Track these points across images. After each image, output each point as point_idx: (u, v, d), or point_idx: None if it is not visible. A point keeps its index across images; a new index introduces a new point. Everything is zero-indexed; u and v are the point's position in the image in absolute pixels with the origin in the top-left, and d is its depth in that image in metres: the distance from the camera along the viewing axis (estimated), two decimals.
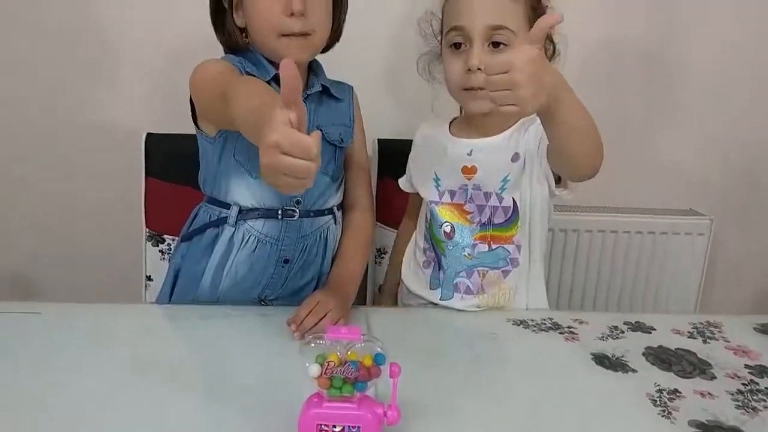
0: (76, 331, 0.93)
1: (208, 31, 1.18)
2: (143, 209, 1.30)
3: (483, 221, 1.08)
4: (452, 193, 1.11)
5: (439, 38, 1.12)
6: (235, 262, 1.06)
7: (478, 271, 1.09)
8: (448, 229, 1.10)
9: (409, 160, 1.22)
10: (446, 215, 1.10)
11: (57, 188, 1.61)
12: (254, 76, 1.02)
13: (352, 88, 1.19)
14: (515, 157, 1.06)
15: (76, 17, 1.51)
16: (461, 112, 1.20)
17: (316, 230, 1.10)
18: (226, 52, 1.08)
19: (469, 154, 1.09)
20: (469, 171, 1.09)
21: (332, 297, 0.98)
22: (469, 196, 1.09)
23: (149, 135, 1.30)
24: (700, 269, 1.73)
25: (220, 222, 1.06)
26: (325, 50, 1.10)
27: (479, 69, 1.01)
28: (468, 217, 1.09)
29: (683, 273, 1.73)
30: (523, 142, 1.06)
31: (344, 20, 1.10)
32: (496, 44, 1.02)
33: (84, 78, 1.55)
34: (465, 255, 1.09)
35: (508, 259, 1.09)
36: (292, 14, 0.96)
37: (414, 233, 1.21)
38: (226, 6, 1.04)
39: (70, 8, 1.50)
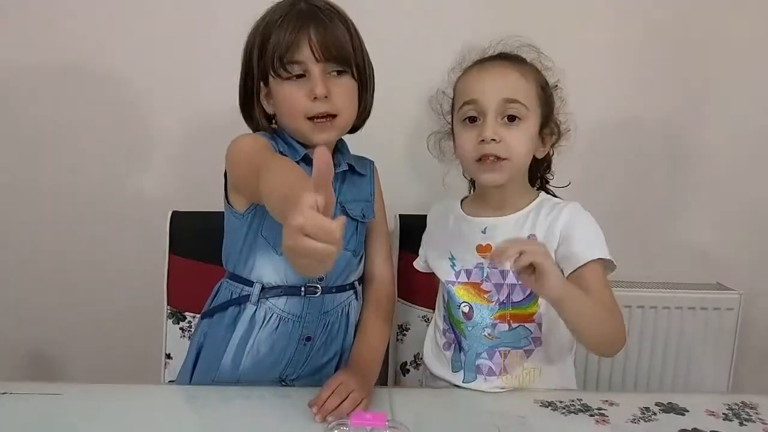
0: (97, 412, 0.92)
1: (233, 113, 1.22)
2: (165, 286, 1.31)
3: (501, 300, 1.07)
4: (468, 273, 1.10)
5: (450, 117, 1.15)
6: (256, 341, 1.06)
7: (499, 351, 1.07)
8: (466, 310, 1.09)
9: (423, 241, 1.22)
10: (464, 295, 1.09)
11: (79, 265, 1.63)
12: (286, 155, 1.05)
13: (372, 162, 1.22)
14: (531, 237, 1.06)
15: (103, 94, 1.57)
16: (470, 190, 1.23)
17: (338, 306, 1.10)
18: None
19: (484, 232, 1.09)
20: (484, 249, 1.09)
21: (354, 377, 0.97)
22: (485, 275, 1.08)
23: (175, 213, 1.33)
24: (730, 345, 1.68)
25: (242, 300, 1.07)
26: (354, 130, 1.14)
27: (493, 140, 1.02)
28: (486, 296, 1.08)
29: (713, 349, 1.68)
30: (543, 226, 1.06)
31: (371, 101, 1.13)
32: (510, 118, 1.04)
33: (112, 156, 1.60)
34: (485, 335, 1.07)
35: (529, 338, 1.07)
36: (315, 98, 1.00)
37: (434, 315, 1.19)
38: (255, 96, 1.08)
39: (94, 84, 1.56)
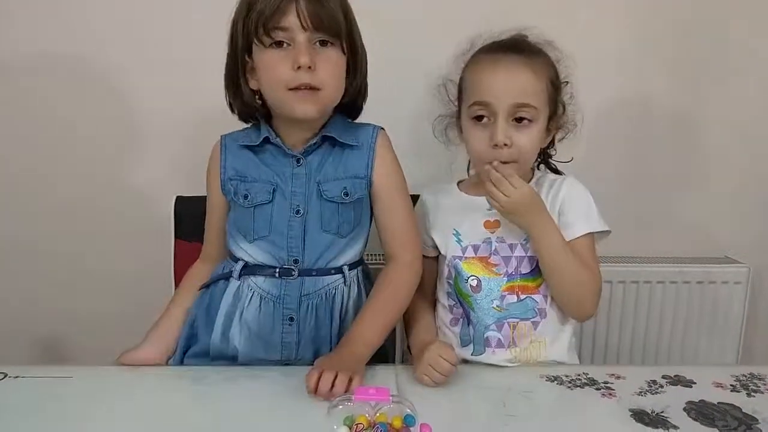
0: (107, 394, 0.94)
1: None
2: (173, 270, 1.32)
3: (510, 272, 1.08)
4: (476, 248, 1.10)
5: (456, 103, 1.14)
6: (244, 318, 1.07)
7: (508, 323, 1.08)
8: (474, 283, 1.09)
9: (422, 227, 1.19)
10: (471, 269, 1.10)
11: (87, 252, 1.65)
12: (248, 145, 1.09)
13: (377, 129, 1.11)
14: None
15: (106, 82, 1.57)
16: (468, 172, 1.22)
17: (321, 289, 1.07)
18: (234, 112, 1.11)
19: (490, 209, 1.09)
20: (491, 225, 1.10)
21: (336, 357, 0.96)
22: (493, 248, 1.09)
23: (179, 197, 1.33)
24: (739, 319, 1.68)
25: (228, 275, 1.09)
26: (352, 113, 1.13)
27: (505, 144, 1.03)
28: (494, 269, 1.09)
29: (722, 323, 1.68)
30: (545, 202, 1.08)
31: (364, 83, 1.10)
32: (520, 119, 1.04)
33: (115, 143, 1.61)
34: (494, 307, 1.08)
35: (536, 309, 1.09)
36: (299, 68, 0.98)
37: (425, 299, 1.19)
38: (240, 74, 1.06)
39: (99, 74, 1.57)
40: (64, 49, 1.55)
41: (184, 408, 0.91)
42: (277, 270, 1.06)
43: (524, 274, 1.08)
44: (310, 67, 0.98)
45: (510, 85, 1.03)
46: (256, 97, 1.07)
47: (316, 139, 1.07)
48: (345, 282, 1.09)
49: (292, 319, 1.06)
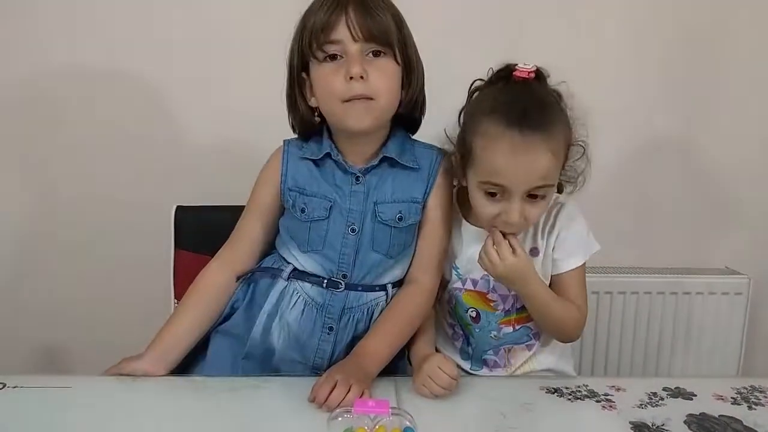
0: (107, 405, 0.93)
1: (238, 111, 1.22)
2: (172, 281, 1.32)
3: (507, 308, 1.09)
4: (474, 282, 1.10)
5: (459, 150, 1.04)
6: (284, 319, 1.07)
7: (504, 348, 1.11)
8: (474, 315, 1.11)
9: None
10: (471, 301, 1.11)
11: (86, 262, 1.65)
12: (309, 158, 1.08)
13: (440, 154, 1.10)
14: (534, 252, 1.07)
15: (107, 90, 1.58)
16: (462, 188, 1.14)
17: (363, 305, 1.08)
18: (295, 132, 1.12)
19: None
20: None
21: (353, 370, 0.96)
22: (491, 286, 1.09)
23: (179, 207, 1.33)
24: (740, 330, 1.68)
25: (277, 273, 1.09)
26: (411, 126, 1.12)
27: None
28: (492, 304, 1.10)
29: (723, 334, 1.68)
30: (542, 239, 1.08)
31: (421, 93, 1.08)
32: (534, 195, 0.97)
33: (117, 152, 1.61)
34: (491, 336, 1.10)
35: (530, 335, 1.11)
36: (351, 78, 0.98)
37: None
38: (298, 92, 1.07)
39: (100, 81, 1.57)
40: (71, 55, 1.56)
41: (184, 419, 0.90)
42: (325, 281, 1.07)
43: (520, 308, 1.09)
44: (362, 77, 0.98)
45: (529, 171, 0.94)
46: (315, 114, 1.07)
47: (376, 160, 1.06)
48: (387, 299, 1.10)
49: (331, 328, 1.07)
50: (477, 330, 1.10)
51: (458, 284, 1.11)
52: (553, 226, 1.08)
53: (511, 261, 0.98)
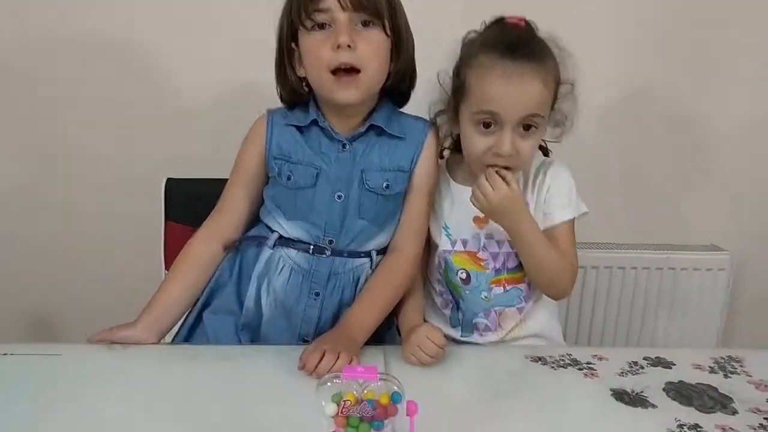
0: (97, 372, 0.94)
1: (228, 83, 1.20)
2: (163, 253, 1.32)
3: (497, 267, 1.11)
4: (465, 242, 1.12)
5: (453, 93, 1.08)
6: (272, 287, 1.09)
7: (495, 311, 1.12)
8: (464, 276, 1.12)
9: None
10: (461, 263, 1.12)
11: (77, 233, 1.66)
12: (295, 125, 1.09)
13: (427, 124, 1.12)
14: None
15: (98, 62, 1.57)
16: (451, 152, 1.18)
17: (349, 271, 1.10)
18: (283, 100, 1.12)
19: None
20: (480, 221, 1.10)
21: (342, 338, 0.98)
22: (482, 245, 1.11)
23: (169, 179, 1.34)
24: (721, 306, 1.71)
25: (263, 240, 1.10)
26: (400, 99, 1.13)
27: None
28: (482, 263, 1.11)
29: (705, 309, 1.71)
30: (533, 194, 1.10)
31: (411, 65, 1.09)
32: (526, 127, 1.01)
33: (106, 123, 1.61)
34: (482, 298, 1.11)
35: (521, 297, 1.12)
36: (339, 47, 0.99)
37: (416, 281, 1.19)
38: (287, 62, 1.07)
39: (89, 52, 1.56)
40: (55, 22, 1.54)
41: (175, 386, 0.91)
42: (312, 247, 1.08)
43: (511, 268, 1.11)
44: (349, 46, 0.98)
45: (521, 97, 0.98)
46: (303, 84, 1.08)
47: (364, 128, 1.08)
48: (371, 265, 1.11)
49: (317, 294, 1.09)
50: (467, 292, 1.11)
51: (448, 246, 1.12)
52: (542, 183, 1.10)
53: (505, 191, 0.99)
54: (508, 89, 0.98)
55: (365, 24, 1.01)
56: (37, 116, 1.60)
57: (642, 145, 1.70)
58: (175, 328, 1.12)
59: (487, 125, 1.01)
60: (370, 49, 1.01)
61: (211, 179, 1.27)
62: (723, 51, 1.64)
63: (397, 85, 1.10)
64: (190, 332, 1.13)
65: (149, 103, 1.59)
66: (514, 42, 1.00)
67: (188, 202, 1.32)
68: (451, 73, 1.08)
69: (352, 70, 1.00)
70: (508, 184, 1.00)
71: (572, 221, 1.11)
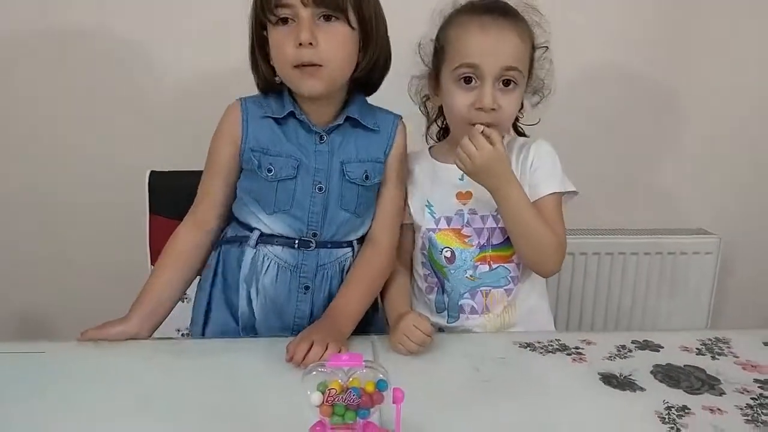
0: (81, 370, 0.93)
1: (208, 72, 1.19)
2: (148, 246, 1.31)
3: (482, 243, 1.10)
4: (448, 219, 1.12)
5: (430, 64, 1.13)
6: (261, 287, 1.08)
7: (481, 291, 1.11)
8: (448, 254, 1.11)
9: None
10: (445, 240, 1.12)
11: (61, 227, 1.64)
12: (272, 116, 1.08)
13: (397, 118, 1.15)
14: None
15: (81, 57, 1.56)
16: (439, 139, 1.22)
17: (335, 261, 1.11)
18: (260, 89, 1.12)
19: (461, 179, 1.10)
20: (464, 196, 1.11)
21: (330, 329, 0.98)
22: (465, 220, 1.11)
23: (153, 172, 1.32)
24: (709, 289, 1.72)
25: (243, 241, 1.09)
26: (369, 87, 1.13)
27: (492, 109, 1.03)
28: (466, 240, 1.11)
29: (693, 293, 1.72)
30: (516, 168, 1.10)
31: (382, 56, 1.09)
32: (506, 82, 1.04)
33: (88, 116, 1.59)
34: (467, 277, 1.11)
35: (509, 278, 1.11)
36: (300, 45, 0.98)
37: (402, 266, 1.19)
38: (258, 52, 1.07)
39: (74, 48, 1.55)
40: (31, 24, 1.52)
41: (160, 381, 0.90)
42: (296, 241, 1.08)
43: (495, 245, 1.10)
44: (311, 44, 0.98)
45: (499, 48, 1.02)
46: (275, 74, 1.08)
47: (341, 120, 1.08)
48: (353, 255, 1.12)
49: (307, 287, 1.09)
50: (452, 271, 1.11)
51: (432, 224, 1.13)
52: (526, 157, 1.11)
53: (488, 150, 0.99)
54: (486, 40, 1.03)
55: (328, 18, 1.00)
56: (18, 111, 1.58)
57: (630, 129, 1.70)
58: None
59: (468, 81, 1.04)
60: (333, 44, 1.01)
61: (195, 171, 1.25)
62: (711, 37, 1.65)
63: (369, 76, 1.10)
64: None
65: (131, 95, 1.58)
66: (489, 3, 1.07)
67: (173, 195, 1.31)
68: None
69: (313, 65, 1.01)
70: (492, 144, 0.99)
71: (559, 197, 1.11)
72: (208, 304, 1.12)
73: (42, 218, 1.64)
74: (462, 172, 1.07)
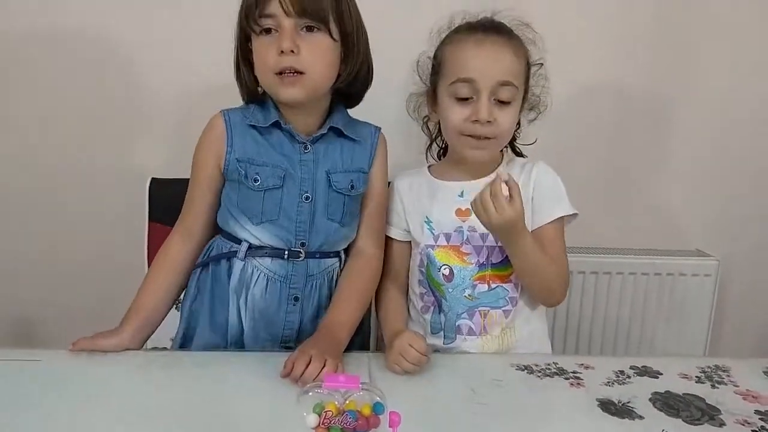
0: (77, 378, 0.93)
1: (211, 81, 1.18)
2: (146, 253, 1.30)
3: (481, 261, 1.10)
4: (448, 236, 1.12)
5: (431, 79, 1.14)
6: (250, 299, 1.08)
7: (479, 311, 1.10)
8: (446, 272, 1.10)
9: (392, 212, 1.19)
10: (443, 258, 1.11)
11: (59, 234, 1.63)
12: (256, 126, 1.08)
13: (378, 129, 1.18)
14: (508, 199, 1.06)
15: (80, 64, 1.55)
16: (439, 158, 1.23)
17: (323, 271, 1.11)
18: (244, 100, 1.13)
19: (461, 196, 1.11)
20: (463, 213, 1.11)
21: (326, 344, 0.97)
22: (465, 238, 1.10)
23: (153, 180, 1.32)
24: (708, 311, 1.71)
25: (231, 255, 1.09)
26: (352, 100, 1.14)
27: (488, 121, 1.04)
28: (466, 258, 1.10)
29: (691, 315, 1.71)
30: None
31: (363, 68, 1.10)
32: (502, 101, 1.05)
33: (90, 121, 1.58)
34: (466, 296, 1.10)
35: (507, 299, 1.11)
36: (282, 52, 1.00)
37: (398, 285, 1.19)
38: (242, 62, 1.09)
39: (73, 55, 1.54)
40: (42, 19, 1.52)
41: (154, 393, 0.90)
42: (286, 252, 1.08)
43: (495, 264, 1.10)
44: (293, 51, 1.00)
45: (494, 63, 1.04)
46: (258, 86, 1.09)
47: (325, 129, 1.09)
48: (340, 264, 1.14)
49: (297, 298, 1.09)
50: (450, 290, 1.10)
51: (431, 240, 1.12)
52: (527, 181, 1.11)
53: (508, 214, 0.97)
54: (481, 54, 1.05)
55: (310, 29, 1.02)
56: (18, 117, 1.57)
57: (628, 148, 1.70)
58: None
59: (464, 99, 1.05)
60: (314, 54, 1.02)
61: None
62: (709, 55, 1.64)
63: (350, 87, 1.11)
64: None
65: (134, 100, 1.57)
66: (482, 22, 1.10)
67: (172, 203, 1.30)
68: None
69: (295, 72, 1.02)
70: (512, 198, 0.97)
71: (562, 221, 1.11)
72: (191, 319, 1.12)
73: (39, 224, 1.62)
74: (462, 189, 1.10)
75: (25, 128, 1.58)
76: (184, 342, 1.12)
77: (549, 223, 1.10)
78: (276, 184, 1.07)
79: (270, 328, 1.09)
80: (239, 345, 1.10)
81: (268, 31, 1.02)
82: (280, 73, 1.02)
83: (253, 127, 1.09)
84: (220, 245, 1.12)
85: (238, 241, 1.09)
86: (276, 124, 1.08)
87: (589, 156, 1.67)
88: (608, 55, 1.62)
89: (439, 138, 1.22)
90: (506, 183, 0.97)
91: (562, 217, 1.11)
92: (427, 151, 1.24)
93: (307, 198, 1.08)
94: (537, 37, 1.11)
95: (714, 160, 1.72)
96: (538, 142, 1.21)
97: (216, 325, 1.10)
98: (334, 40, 1.04)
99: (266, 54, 1.02)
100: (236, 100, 1.14)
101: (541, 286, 1.09)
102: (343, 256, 1.15)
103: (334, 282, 1.13)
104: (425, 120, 1.20)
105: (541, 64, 1.13)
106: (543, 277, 1.08)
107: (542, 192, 1.11)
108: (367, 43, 1.10)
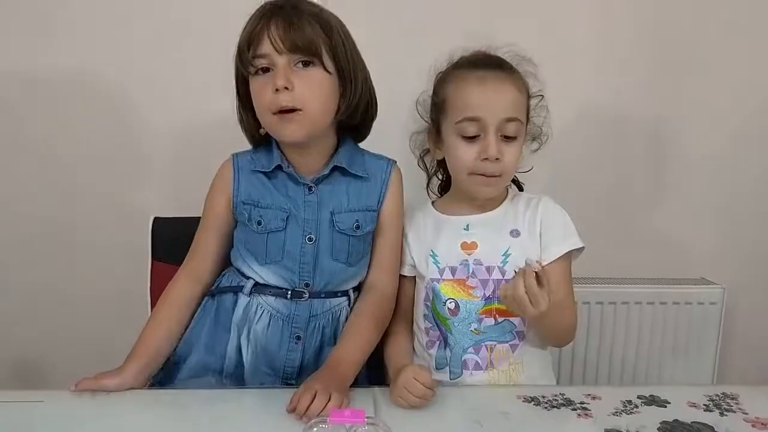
0: (80, 420, 0.92)
1: (214, 120, 1.20)
2: (149, 292, 1.30)
3: (487, 295, 1.09)
4: (453, 270, 1.11)
5: (431, 115, 1.14)
6: (253, 334, 1.08)
7: (486, 345, 1.09)
8: (452, 306, 1.10)
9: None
10: (449, 292, 1.10)
11: (61, 272, 1.64)
12: (261, 171, 1.10)
13: (391, 163, 1.15)
14: (515, 233, 1.08)
15: (84, 101, 1.57)
16: (441, 193, 1.23)
17: (328, 311, 1.11)
18: (250, 143, 1.15)
19: (466, 229, 1.11)
20: (469, 246, 1.11)
21: (332, 379, 0.96)
22: (471, 271, 1.10)
23: (156, 219, 1.32)
24: (714, 338, 1.70)
25: (238, 289, 1.10)
26: (358, 133, 1.15)
27: (497, 159, 1.04)
28: (471, 292, 1.09)
29: (698, 343, 1.70)
30: (524, 223, 1.11)
31: (357, 99, 1.08)
32: (508, 136, 1.06)
33: (92, 160, 1.60)
34: (472, 330, 1.09)
35: (514, 332, 1.09)
36: (277, 90, 1.00)
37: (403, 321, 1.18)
38: (243, 106, 1.11)
39: (74, 96, 1.57)
40: (47, 59, 1.55)
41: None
42: (289, 292, 1.08)
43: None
44: (287, 88, 1.00)
45: (499, 100, 1.05)
46: (260, 127, 1.10)
47: (327, 170, 1.09)
48: (350, 303, 1.13)
49: (299, 337, 1.09)
50: (456, 324, 1.09)
51: (436, 274, 1.12)
52: (534, 217, 1.11)
53: (544, 306, 0.97)
54: (485, 92, 1.05)
55: (305, 64, 1.03)
56: (19, 158, 1.59)
57: (631, 177, 1.71)
58: None
59: (471, 137, 1.05)
60: (309, 89, 1.02)
61: (199, 218, 1.26)
62: (710, 82, 1.66)
63: (351, 120, 1.11)
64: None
65: (133, 142, 1.59)
66: (482, 58, 1.10)
67: (175, 241, 1.30)
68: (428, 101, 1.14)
69: (293, 110, 1.02)
70: (541, 284, 0.96)
71: (569, 257, 1.11)
72: (191, 335, 1.12)
73: (43, 262, 1.63)
74: (467, 223, 1.10)
75: (26, 170, 1.60)
76: (177, 358, 1.11)
77: (557, 260, 1.09)
78: (279, 227, 1.07)
79: (271, 364, 1.08)
80: (236, 377, 1.09)
81: (264, 70, 1.03)
82: (278, 114, 1.02)
83: (259, 171, 1.10)
84: (230, 278, 1.13)
85: (246, 278, 1.10)
86: (279, 167, 1.09)
87: (593, 185, 1.68)
88: (610, 87, 1.64)
89: (439, 172, 1.22)
90: (537, 273, 0.96)
91: (569, 253, 1.10)
92: (427, 187, 1.24)
93: (310, 239, 1.08)
94: (536, 69, 1.12)
95: (716, 187, 1.72)
96: (540, 173, 1.21)
97: (213, 348, 1.10)
98: (329, 73, 1.04)
99: (263, 93, 1.03)
100: (237, 138, 1.15)
101: (554, 334, 1.12)
102: (352, 295, 1.14)
103: (340, 321, 1.11)
104: (422, 155, 1.20)
105: (542, 95, 1.13)
106: (555, 327, 1.09)
107: (548, 230, 1.11)
108: (367, 74, 1.11)
